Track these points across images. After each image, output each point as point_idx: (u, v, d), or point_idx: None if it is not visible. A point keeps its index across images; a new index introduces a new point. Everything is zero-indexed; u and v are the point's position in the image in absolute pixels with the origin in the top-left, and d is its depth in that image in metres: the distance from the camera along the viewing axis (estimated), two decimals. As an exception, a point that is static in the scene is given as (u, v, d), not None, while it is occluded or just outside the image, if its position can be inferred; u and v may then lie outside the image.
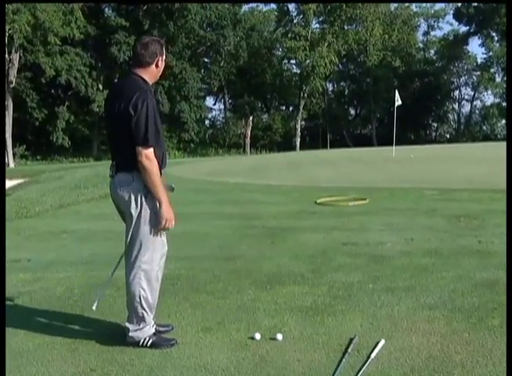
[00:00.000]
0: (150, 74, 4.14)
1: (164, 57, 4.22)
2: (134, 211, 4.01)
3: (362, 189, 13.78)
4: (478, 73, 73.25)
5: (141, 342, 4.11)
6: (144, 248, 4.03)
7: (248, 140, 60.92)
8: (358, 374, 3.58)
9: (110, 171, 4.12)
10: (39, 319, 4.86)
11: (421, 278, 5.78)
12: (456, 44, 70.79)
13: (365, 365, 3.69)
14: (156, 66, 4.15)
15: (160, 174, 4.05)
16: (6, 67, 43.51)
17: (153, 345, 4.09)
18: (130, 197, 4.01)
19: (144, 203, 3.98)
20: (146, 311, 4.09)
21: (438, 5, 73.06)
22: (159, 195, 3.95)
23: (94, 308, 4.38)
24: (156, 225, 3.99)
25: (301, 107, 65.01)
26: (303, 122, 68.87)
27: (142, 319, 4.11)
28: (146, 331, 4.12)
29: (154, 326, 4.20)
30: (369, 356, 3.81)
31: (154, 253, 4.06)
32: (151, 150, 3.90)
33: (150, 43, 4.12)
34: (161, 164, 4.05)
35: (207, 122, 68.66)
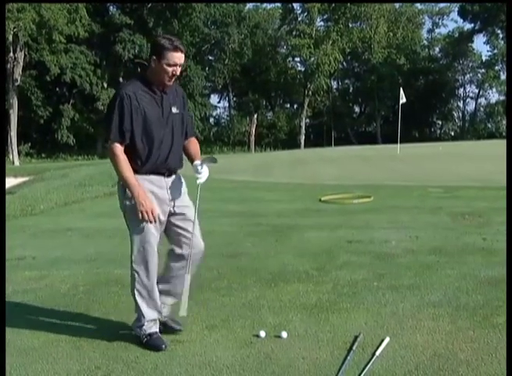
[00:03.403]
0: (150, 73, 4.00)
1: (167, 61, 3.89)
2: (121, 209, 4.06)
3: (366, 187, 13.77)
4: (483, 70, 73.02)
5: (141, 338, 4.15)
6: (134, 245, 4.05)
7: (253, 138, 60.84)
8: (362, 371, 3.58)
9: None
10: (44, 316, 4.87)
11: (426, 276, 5.77)
12: (461, 41, 70.55)
13: (370, 363, 3.69)
14: (152, 65, 3.96)
15: (152, 173, 4.01)
16: (11, 66, 43.60)
17: (147, 346, 4.09)
18: (118, 194, 4.09)
19: (125, 200, 4.00)
20: (140, 307, 4.10)
21: (443, 3, 72.93)
22: (129, 188, 3.91)
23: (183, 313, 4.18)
24: (139, 221, 3.95)
25: (306, 105, 64.94)
26: (307, 120, 68.82)
27: (141, 314, 4.13)
28: (144, 329, 4.13)
29: (154, 326, 4.18)
30: (373, 354, 3.81)
31: (146, 254, 4.05)
32: (115, 144, 3.90)
33: (154, 40, 4.06)
34: (145, 162, 3.97)
35: (211, 120, 68.73)
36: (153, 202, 3.94)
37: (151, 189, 4.00)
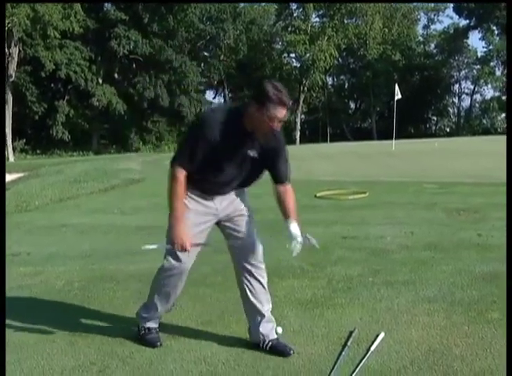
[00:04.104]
0: (246, 114, 3.60)
1: (268, 114, 3.49)
2: None
3: (361, 183, 13.77)
4: (478, 66, 73.11)
5: (138, 328, 4.14)
6: (165, 256, 3.94)
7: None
8: (357, 366, 3.59)
9: None
10: (39, 312, 4.86)
11: (421, 271, 5.78)
12: (456, 37, 70.57)
13: (365, 358, 3.69)
14: (251, 109, 3.57)
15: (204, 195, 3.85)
16: (6, 61, 43.43)
17: (142, 340, 4.09)
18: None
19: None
20: (155, 304, 4.06)
21: (441, 3, 72.71)
22: (171, 215, 3.75)
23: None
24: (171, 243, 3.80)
25: (301, 101, 64.89)
26: (303, 116, 68.78)
27: (151, 308, 4.10)
28: (147, 320, 4.12)
29: (155, 322, 4.16)
30: (368, 349, 3.82)
31: (179, 257, 3.91)
32: (179, 168, 3.66)
33: (262, 84, 3.56)
34: (196, 187, 3.81)
35: (206, 116, 68.58)
36: (189, 231, 3.75)
37: (196, 199, 3.86)
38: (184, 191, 3.74)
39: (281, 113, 3.53)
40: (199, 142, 3.62)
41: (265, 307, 4.00)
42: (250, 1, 61.20)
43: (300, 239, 3.81)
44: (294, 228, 3.86)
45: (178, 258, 3.90)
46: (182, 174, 3.68)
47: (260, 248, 4.04)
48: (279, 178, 3.90)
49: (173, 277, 3.97)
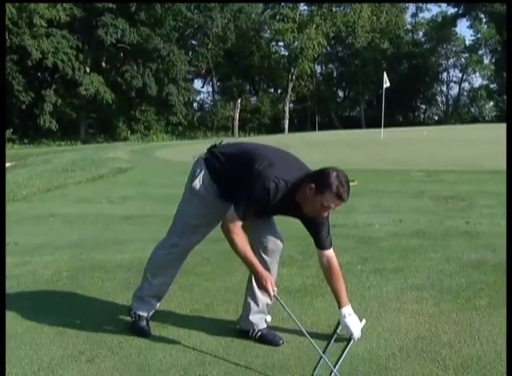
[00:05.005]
0: (299, 193, 3.55)
1: (323, 201, 3.45)
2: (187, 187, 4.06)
3: (350, 171, 13.54)
4: (466, 55, 73.32)
5: (130, 313, 4.13)
6: (177, 225, 4.00)
7: (236, 123, 60.76)
8: (342, 353, 3.59)
9: None
10: (27, 302, 4.84)
11: (409, 259, 5.80)
12: (445, 26, 70.69)
13: (349, 345, 3.68)
14: (305, 190, 3.51)
15: None
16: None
17: (132, 327, 4.08)
18: (191, 173, 4.16)
19: (194, 181, 4.02)
20: (149, 282, 4.05)
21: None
22: (248, 265, 3.72)
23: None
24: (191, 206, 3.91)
25: (290, 90, 64.81)
26: (291, 104, 68.68)
27: (145, 286, 4.09)
28: (138, 307, 4.10)
29: (147, 309, 4.12)
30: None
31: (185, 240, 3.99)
32: (237, 221, 3.60)
33: (326, 172, 3.52)
34: None
35: (195, 105, 68.44)
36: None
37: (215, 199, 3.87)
38: (246, 241, 3.70)
39: (336, 204, 3.49)
40: (256, 200, 3.58)
41: (263, 298, 3.98)
42: (244, 0, 60.70)
43: (357, 335, 3.72)
44: (351, 320, 3.77)
45: (182, 237, 3.94)
46: (240, 226, 3.62)
47: (280, 240, 4.06)
48: (321, 244, 3.91)
49: (173, 256, 4.01)
